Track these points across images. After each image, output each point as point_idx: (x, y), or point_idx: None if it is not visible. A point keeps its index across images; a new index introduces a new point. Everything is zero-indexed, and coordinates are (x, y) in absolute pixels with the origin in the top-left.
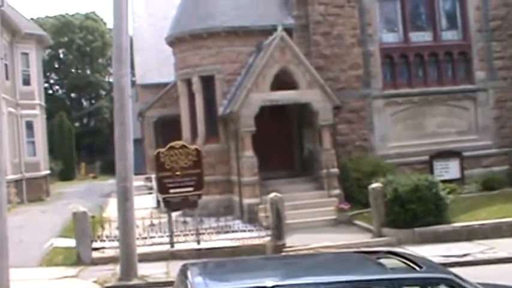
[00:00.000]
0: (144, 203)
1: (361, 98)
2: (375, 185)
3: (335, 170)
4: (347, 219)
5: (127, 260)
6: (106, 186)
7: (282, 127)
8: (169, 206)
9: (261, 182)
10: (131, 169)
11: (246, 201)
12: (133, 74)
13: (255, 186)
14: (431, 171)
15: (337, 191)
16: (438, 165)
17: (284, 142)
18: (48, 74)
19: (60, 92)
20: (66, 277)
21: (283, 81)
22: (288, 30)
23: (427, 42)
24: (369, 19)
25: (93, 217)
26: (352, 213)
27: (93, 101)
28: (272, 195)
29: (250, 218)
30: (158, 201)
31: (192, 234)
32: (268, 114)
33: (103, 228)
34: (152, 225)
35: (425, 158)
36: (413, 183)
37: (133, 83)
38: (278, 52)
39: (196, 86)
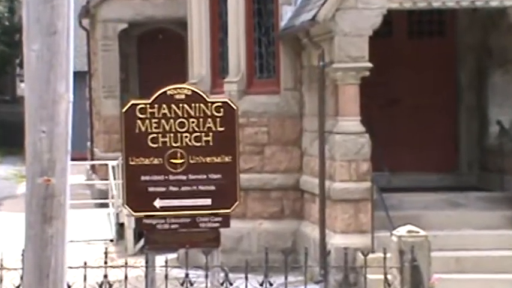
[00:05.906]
0: (89, 229)
1: None
2: None
3: None
4: None
5: None
6: None
7: (433, 67)
8: (152, 239)
9: (377, 195)
10: (66, 146)
11: (336, 240)
12: None
13: (360, 204)
14: None
15: None
16: None
17: (436, 104)
18: None
19: None
20: None
21: None
22: None
23: None
24: None
25: None
26: None
27: None
28: (404, 230)
29: (345, 280)
30: (121, 225)
31: None
32: (404, 35)
33: None
34: (108, 285)
35: None
36: None
37: None
38: None
39: None
